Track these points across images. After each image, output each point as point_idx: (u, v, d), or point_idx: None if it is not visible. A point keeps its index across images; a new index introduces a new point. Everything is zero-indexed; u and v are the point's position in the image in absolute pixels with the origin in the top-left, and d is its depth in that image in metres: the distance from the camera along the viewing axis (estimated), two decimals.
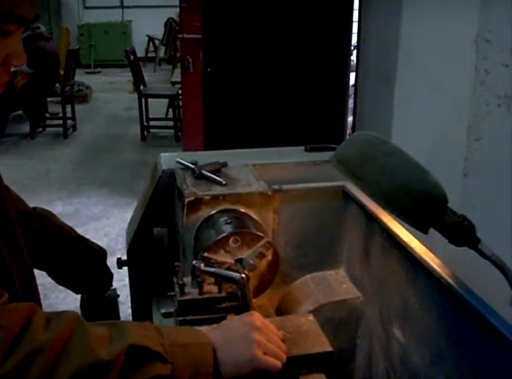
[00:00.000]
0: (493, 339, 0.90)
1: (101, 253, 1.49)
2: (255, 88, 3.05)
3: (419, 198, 0.99)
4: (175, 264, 1.23)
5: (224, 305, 1.20)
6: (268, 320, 1.22)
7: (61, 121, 6.98)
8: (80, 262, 1.43)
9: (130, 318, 1.88)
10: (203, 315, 1.19)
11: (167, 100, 7.27)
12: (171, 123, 7.23)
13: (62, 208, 4.99)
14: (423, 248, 1.14)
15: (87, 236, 3.93)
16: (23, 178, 5.44)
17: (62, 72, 6.94)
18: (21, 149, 6.60)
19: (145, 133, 7.10)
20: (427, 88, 1.61)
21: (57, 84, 6.84)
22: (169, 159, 1.67)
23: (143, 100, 6.92)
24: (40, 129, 7.15)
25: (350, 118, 3.33)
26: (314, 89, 3.18)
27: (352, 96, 3.17)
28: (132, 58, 6.85)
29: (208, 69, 2.77)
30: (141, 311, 1.67)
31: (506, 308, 1.02)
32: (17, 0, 0.89)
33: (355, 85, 3.01)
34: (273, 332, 1.08)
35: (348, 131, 3.33)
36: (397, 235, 1.21)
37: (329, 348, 1.18)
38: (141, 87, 6.98)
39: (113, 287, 1.72)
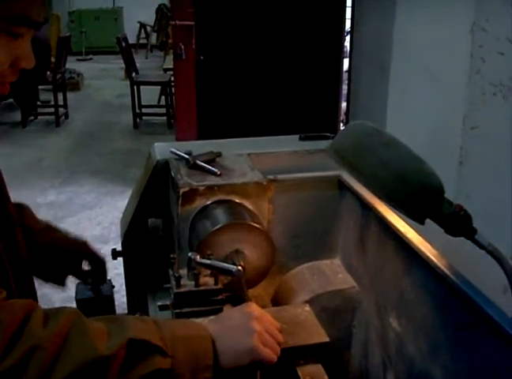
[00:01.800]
0: (489, 330, 0.90)
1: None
2: (249, 76, 3.04)
3: (416, 189, 0.98)
4: (171, 256, 1.22)
5: (220, 297, 1.19)
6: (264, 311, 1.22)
7: (52, 109, 6.93)
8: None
9: (125, 307, 1.88)
10: (199, 307, 1.18)
11: (159, 87, 7.23)
12: (163, 110, 7.18)
13: (54, 197, 4.97)
14: (420, 238, 1.14)
15: (80, 225, 3.94)
16: (15, 167, 5.40)
17: (53, 59, 6.86)
18: (13, 138, 6.55)
19: (138, 120, 7.06)
20: (422, 76, 1.60)
21: (48, 72, 6.77)
22: (163, 148, 1.66)
23: (135, 87, 6.87)
24: (32, 117, 7.09)
25: (344, 104, 3.31)
26: (307, 76, 3.17)
27: (346, 83, 3.15)
28: (124, 44, 6.79)
29: (202, 57, 2.75)
30: (136, 302, 1.66)
31: (501, 297, 1.02)
32: (28, 3, 0.89)
33: (348, 71, 2.99)
34: (271, 322, 1.07)
35: (342, 117, 3.32)
36: (393, 225, 1.21)
37: (325, 339, 1.18)
38: (133, 74, 6.93)
39: (108, 278, 1.72)
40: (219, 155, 1.56)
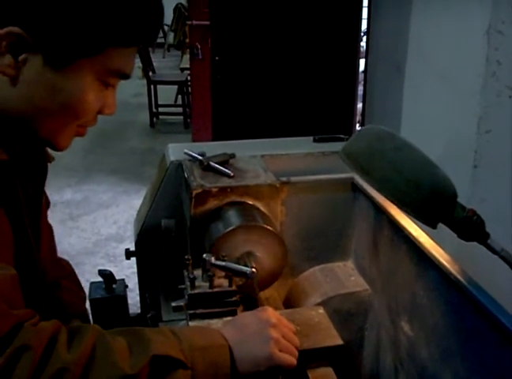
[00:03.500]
0: (501, 337, 0.89)
1: None
2: (264, 77, 3.03)
3: (429, 194, 0.98)
4: (185, 257, 1.23)
5: (234, 298, 1.20)
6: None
7: None
8: None
9: (139, 305, 1.89)
10: (213, 308, 1.19)
11: (176, 86, 7.25)
12: (180, 110, 7.21)
13: (71, 196, 5.00)
14: (432, 242, 1.13)
15: (96, 224, 3.95)
16: None
17: None
18: None
19: (154, 119, 7.09)
20: (437, 79, 1.58)
21: None
22: (177, 149, 1.67)
23: (152, 87, 6.90)
24: None
25: (360, 105, 3.30)
26: (323, 77, 3.16)
27: (362, 83, 3.14)
28: None
29: (217, 58, 2.75)
30: (149, 302, 1.67)
31: None
32: (127, 59, 0.96)
33: (364, 72, 2.99)
34: (287, 326, 1.08)
35: (358, 118, 3.31)
36: (406, 229, 1.20)
37: (339, 341, 1.17)
38: (150, 73, 6.96)
39: (121, 278, 1.73)
40: (232, 156, 1.56)
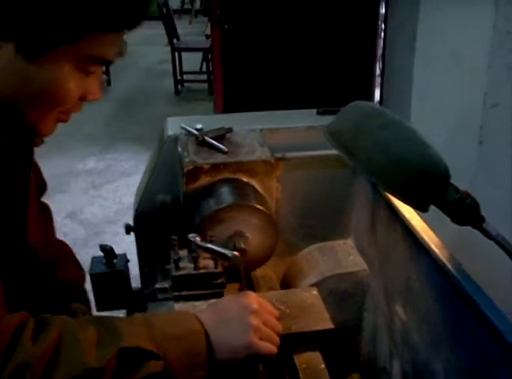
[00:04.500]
0: (487, 329, 0.84)
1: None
2: (278, 46, 2.92)
3: (416, 174, 0.92)
4: (171, 237, 1.20)
5: (220, 280, 1.16)
6: (270, 294, 1.19)
7: None
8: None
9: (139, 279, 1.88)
10: (199, 290, 1.16)
11: (201, 53, 7.17)
12: (205, 76, 7.14)
13: (94, 164, 5.03)
14: (424, 225, 1.08)
15: (118, 193, 3.90)
16: (56, 134, 5.42)
17: None
18: None
19: (179, 86, 7.05)
20: (446, 54, 1.50)
21: None
22: (176, 123, 1.63)
23: (176, 54, 6.83)
24: None
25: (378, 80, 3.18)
26: (341, 48, 3.05)
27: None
28: (164, 10, 6.73)
29: (226, 26, 2.66)
30: (148, 277, 1.65)
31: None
32: (107, 44, 0.91)
33: (382, 51, 2.88)
34: (270, 312, 1.05)
35: (377, 95, 3.18)
36: (399, 210, 1.15)
37: (330, 325, 1.14)
38: (174, 40, 6.89)
39: (123, 252, 1.72)
40: (229, 130, 1.51)
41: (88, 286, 1.57)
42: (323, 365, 1.08)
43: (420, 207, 0.97)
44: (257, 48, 2.90)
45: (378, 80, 2.94)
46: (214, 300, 1.13)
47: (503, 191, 1.32)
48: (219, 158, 1.37)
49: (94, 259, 1.69)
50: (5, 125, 0.97)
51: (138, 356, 0.87)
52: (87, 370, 0.82)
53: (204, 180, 1.35)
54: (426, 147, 0.95)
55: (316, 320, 1.15)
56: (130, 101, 6.80)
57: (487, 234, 0.99)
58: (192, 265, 1.15)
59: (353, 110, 1.00)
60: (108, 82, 7.28)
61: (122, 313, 1.66)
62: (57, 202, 4.42)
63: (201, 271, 1.14)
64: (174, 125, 1.61)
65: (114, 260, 1.67)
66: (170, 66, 7.05)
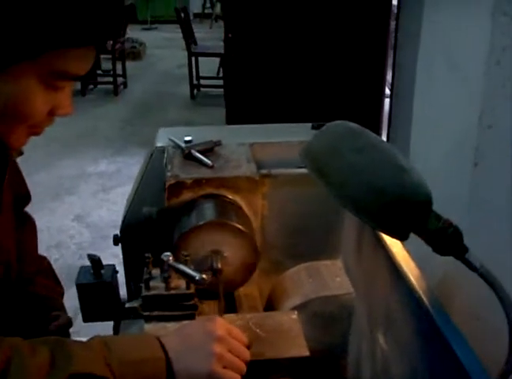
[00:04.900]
0: (457, 367, 0.79)
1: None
2: (283, 59, 2.87)
3: (391, 200, 0.86)
4: (145, 254, 1.16)
5: (192, 302, 1.12)
6: (248, 316, 1.15)
7: (112, 79, 7.00)
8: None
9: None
10: (170, 311, 1.12)
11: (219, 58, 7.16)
12: (222, 82, 7.12)
13: (105, 167, 5.03)
14: (404, 253, 1.02)
15: (126, 196, 3.84)
16: (70, 136, 5.49)
17: None
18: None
19: (195, 91, 7.04)
20: (446, 68, 1.44)
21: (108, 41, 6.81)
22: (168, 134, 1.59)
23: (193, 59, 6.83)
24: (91, 86, 7.18)
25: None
26: (349, 59, 2.99)
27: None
28: (182, 15, 6.73)
29: (230, 35, 2.62)
30: (133, 290, 1.62)
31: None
32: (69, 58, 0.87)
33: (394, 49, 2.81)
34: (238, 338, 1.00)
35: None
36: (381, 235, 1.09)
37: (305, 352, 1.10)
38: (192, 45, 6.88)
39: (112, 264, 1.69)
40: (218, 144, 1.47)
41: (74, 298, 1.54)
42: None
43: (399, 235, 0.92)
44: (262, 57, 2.85)
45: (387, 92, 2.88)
46: (185, 322, 1.09)
47: (498, 216, 1.26)
48: (202, 173, 1.33)
49: (82, 269, 1.67)
50: None
51: None
52: None
53: (186, 195, 1.31)
54: (404, 171, 0.89)
55: (291, 346, 1.11)
56: (146, 105, 6.80)
57: (470, 265, 0.93)
58: (163, 285, 1.11)
59: (330, 130, 0.95)
60: (125, 85, 7.31)
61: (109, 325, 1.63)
62: (66, 204, 4.43)
63: (172, 292, 1.10)
64: (164, 136, 1.58)
65: (102, 271, 1.64)
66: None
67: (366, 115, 2.89)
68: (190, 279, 1.06)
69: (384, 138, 2.82)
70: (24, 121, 0.91)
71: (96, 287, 1.61)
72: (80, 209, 4.27)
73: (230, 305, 1.37)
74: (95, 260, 1.63)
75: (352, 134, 0.92)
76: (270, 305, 1.42)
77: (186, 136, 1.50)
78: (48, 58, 0.85)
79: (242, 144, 1.48)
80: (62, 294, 1.42)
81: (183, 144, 1.45)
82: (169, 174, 1.32)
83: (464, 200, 1.30)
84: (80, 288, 1.61)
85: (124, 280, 1.68)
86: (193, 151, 1.41)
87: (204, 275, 1.05)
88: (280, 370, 1.10)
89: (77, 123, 6.04)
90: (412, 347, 0.98)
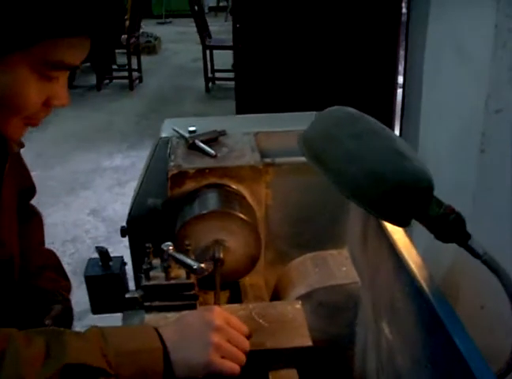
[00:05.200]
0: (457, 357, 0.77)
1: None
2: (292, 48, 2.83)
3: (391, 187, 0.84)
4: (146, 245, 1.16)
5: (192, 292, 1.11)
6: (250, 306, 1.14)
7: (127, 73, 7.02)
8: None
9: None
10: (170, 301, 1.11)
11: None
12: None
13: (120, 161, 5.05)
14: (406, 240, 1.00)
15: None
16: (85, 130, 5.53)
17: (127, 22, 6.91)
18: (87, 101, 6.65)
19: (210, 84, 7.03)
20: (453, 52, 1.41)
21: (122, 35, 6.82)
22: (173, 124, 1.58)
23: (208, 52, 6.82)
24: (107, 81, 7.21)
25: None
26: (360, 50, 2.95)
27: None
28: (196, 8, 6.72)
29: (238, 25, 2.59)
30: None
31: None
32: (64, 47, 0.87)
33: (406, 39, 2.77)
34: (237, 327, 0.99)
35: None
36: (383, 223, 1.08)
37: (307, 342, 1.09)
38: (207, 38, 6.87)
39: (120, 255, 1.69)
40: (222, 133, 1.46)
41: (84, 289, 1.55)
42: None
43: (399, 222, 0.90)
44: (270, 48, 2.81)
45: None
46: (185, 312, 1.08)
47: (503, 203, 1.24)
48: (205, 162, 1.32)
49: (90, 261, 1.67)
50: None
51: (85, 373, 0.83)
52: None
53: (189, 185, 1.31)
54: (404, 157, 0.87)
55: (294, 336, 1.09)
56: (161, 99, 6.81)
57: (473, 252, 0.91)
58: (163, 275, 1.10)
59: (328, 115, 0.94)
60: (140, 79, 7.32)
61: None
62: (81, 199, 4.46)
63: (172, 281, 1.09)
64: (169, 127, 1.57)
65: (110, 263, 1.64)
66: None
67: (378, 106, 2.86)
68: (188, 268, 1.06)
69: (397, 129, 2.78)
70: (19, 112, 0.91)
71: (104, 278, 1.62)
72: (96, 203, 4.30)
73: (235, 295, 1.36)
74: (103, 252, 1.64)
75: (350, 119, 0.90)
76: (276, 295, 1.41)
77: (191, 126, 1.50)
78: (42, 47, 0.85)
79: (247, 134, 1.47)
80: (68, 289, 1.42)
81: (187, 135, 1.44)
82: (172, 164, 1.31)
83: (471, 187, 1.27)
84: (89, 280, 1.61)
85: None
86: (196, 142, 1.40)
87: (202, 265, 1.04)
88: (281, 360, 1.08)
89: (92, 118, 6.08)
90: (415, 336, 0.96)
